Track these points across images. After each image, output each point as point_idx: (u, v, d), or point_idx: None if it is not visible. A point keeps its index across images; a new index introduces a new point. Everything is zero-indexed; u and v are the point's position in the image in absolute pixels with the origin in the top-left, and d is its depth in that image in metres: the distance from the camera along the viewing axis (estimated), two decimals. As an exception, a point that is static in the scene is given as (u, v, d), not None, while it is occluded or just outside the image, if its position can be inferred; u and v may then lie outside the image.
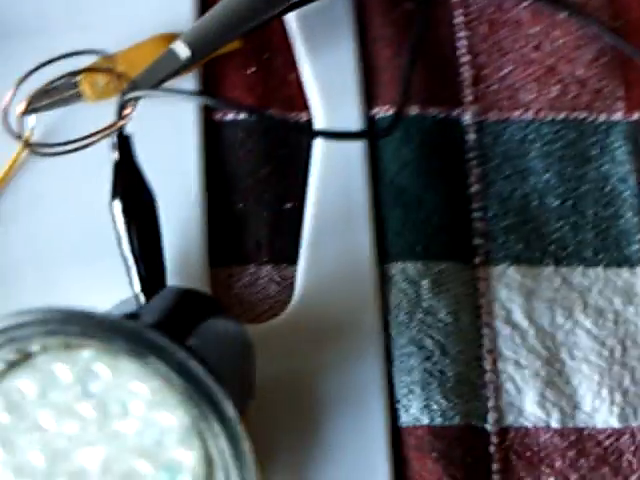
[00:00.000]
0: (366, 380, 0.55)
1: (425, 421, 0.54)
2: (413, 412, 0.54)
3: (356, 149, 0.57)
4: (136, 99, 0.52)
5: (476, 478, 0.54)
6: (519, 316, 0.56)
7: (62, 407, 0.45)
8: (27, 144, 0.55)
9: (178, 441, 0.45)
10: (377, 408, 0.55)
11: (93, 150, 0.55)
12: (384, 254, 0.56)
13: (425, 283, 0.55)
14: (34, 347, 0.44)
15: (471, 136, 0.57)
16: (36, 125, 0.56)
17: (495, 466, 0.54)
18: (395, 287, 0.56)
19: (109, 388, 0.44)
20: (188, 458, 0.45)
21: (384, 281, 0.56)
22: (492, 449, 0.54)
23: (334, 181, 0.57)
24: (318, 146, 0.57)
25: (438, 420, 0.54)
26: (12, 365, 0.45)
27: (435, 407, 0.54)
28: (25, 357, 0.45)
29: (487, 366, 0.55)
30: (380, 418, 0.55)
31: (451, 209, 0.57)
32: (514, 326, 0.56)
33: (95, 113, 0.55)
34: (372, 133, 0.57)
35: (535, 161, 0.57)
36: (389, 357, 0.55)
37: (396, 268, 0.56)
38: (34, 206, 0.57)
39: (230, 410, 0.43)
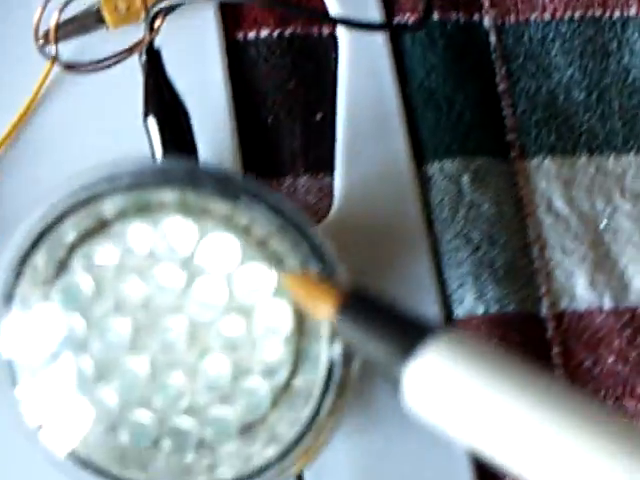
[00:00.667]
0: (417, 278, 0.54)
1: (480, 311, 0.53)
2: (467, 303, 0.53)
3: (383, 56, 0.57)
4: (166, 11, 0.51)
5: (537, 364, 0.52)
6: (560, 205, 0.55)
7: (143, 272, 0.42)
8: (58, 61, 0.53)
9: (271, 297, 0.42)
10: (430, 304, 0.53)
11: (121, 70, 0.53)
12: (420, 155, 0.55)
13: (465, 179, 0.55)
14: (109, 212, 0.42)
15: (492, 38, 0.57)
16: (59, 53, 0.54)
17: (555, 350, 0.53)
18: (435, 186, 0.55)
19: (193, 248, 0.42)
20: (285, 312, 0.42)
21: (423, 182, 0.55)
22: (549, 334, 0.53)
23: (363, 88, 0.56)
24: (344, 55, 0.57)
25: (493, 308, 0.53)
26: (88, 234, 0.42)
27: (489, 296, 0.53)
28: (101, 224, 0.42)
29: (535, 254, 0.54)
30: (434, 313, 0.53)
31: (482, 107, 0.56)
32: (556, 215, 0.55)
33: (116, 40, 0.53)
34: (395, 26, 0.56)
35: (557, 58, 0.57)
36: (437, 254, 0.54)
37: (434, 167, 0.55)
38: (65, 129, 0.55)
39: (329, 253, 0.41)
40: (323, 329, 0.41)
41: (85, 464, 0.42)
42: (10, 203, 0.54)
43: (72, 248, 0.42)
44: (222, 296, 0.41)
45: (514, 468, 0.33)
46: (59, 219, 0.41)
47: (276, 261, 0.41)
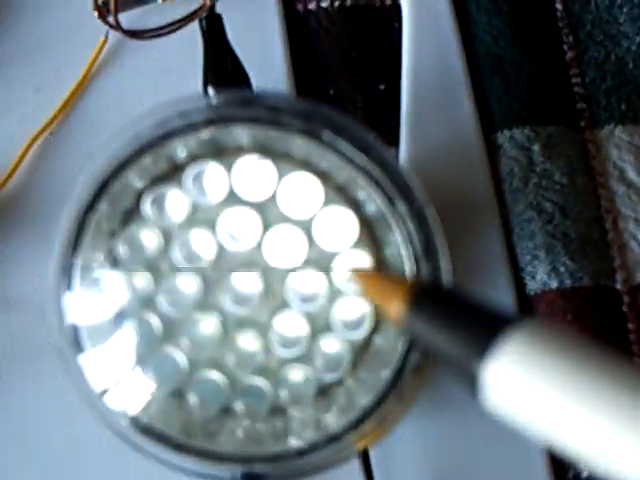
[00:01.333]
0: (488, 251, 0.51)
1: (554, 284, 0.49)
2: (540, 277, 0.50)
3: (447, 24, 0.54)
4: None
5: (613, 339, 0.49)
6: (632, 174, 0.52)
7: (216, 221, 0.39)
8: (120, 28, 0.50)
9: (351, 246, 0.39)
10: (502, 279, 0.50)
11: (180, 39, 0.50)
12: (489, 124, 0.52)
13: (536, 148, 0.51)
14: (180, 154, 0.38)
15: (559, 6, 0.54)
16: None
17: (631, 325, 0.50)
18: (505, 155, 0.51)
19: (272, 191, 0.38)
20: (366, 264, 0.39)
21: (492, 152, 0.52)
22: (625, 308, 0.50)
23: (428, 57, 0.53)
24: (408, 24, 0.54)
25: (567, 282, 0.49)
26: (157, 180, 0.39)
27: (562, 269, 0.49)
28: (171, 169, 0.39)
29: (608, 226, 0.51)
30: (507, 288, 0.50)
31: (550, 75, 0.53)
32: (629, 185, 0.52)
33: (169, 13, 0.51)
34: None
35: (625, 25, 0.54)
36: (508, 227, 0.50)
37: (504, 136, 0.52)
38: (121, 100, 0.52)
39: (418, 191, 0.37)
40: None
41: (149, 432, 0.39)
42: (64, 175, 0.51)
43: (139, 195, 0.39)
44: (301, 245, 0.38)
45: (602, 465, 0.29)
46: (125, 164, 0.38)
47: (355, 208, 0.38)
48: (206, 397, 0.39)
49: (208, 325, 0.39)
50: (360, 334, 0.39)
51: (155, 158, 0.38)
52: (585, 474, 0.48)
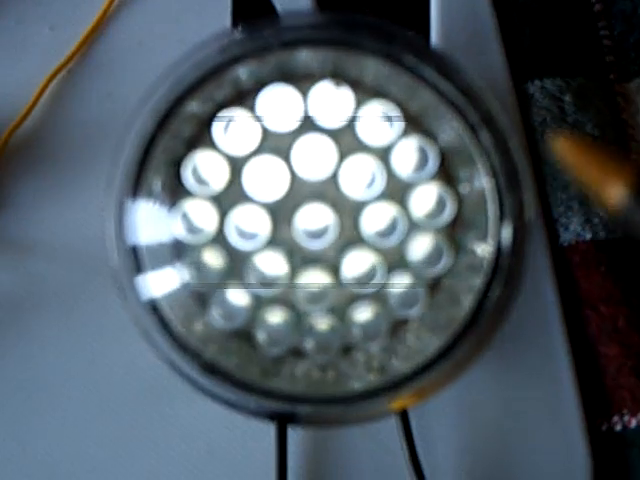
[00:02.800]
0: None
1: (588, 236, 0.46)
2: (574, 228, 0.47)
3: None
4: None
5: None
6: (662, 126, 0.49)
7: (285, 150, 0.35)
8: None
9: (427, 180, 0.35)
10: (535, 229, 0.47)
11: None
12: (519, 74, 0.49)
13: (567, 98, 0.48)
14: (247, 79, 0.34)
15: (586, -41, 0.51)
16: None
17: None
18: (536, 105, 0.48)
19: (348, 118, 0.35)
20: (441, 200, 0.35)
21: (524, 101, 0.48)
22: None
23: (457, 4, 0.49)
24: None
25: (601, 234, 0.46)
26: (222, 106, 0.35)
27: (596, 220, 0.46)
28: (238, 94, 0.35)
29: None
30: (540, 239, 0.46)
31: (579, 27, 0.50)
32: (660, 135, 0.49)
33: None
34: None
35: (653, -20, 0.51)
36: (541, 178, 0.47)
37: (535, 86, 0.49)
38: (138, 43, 0.48)
39: (503, 122, 0.34)
40: (483, 218, 0.34)
41: (212, 370, 0.35)
42: (81, 116, 0.46)
43: (205, 123, 0.35)
44: (378, 176, 0.34)
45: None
46: (188, 90, 0.34)
47: (430, 140, 0.35)
48: (273, 336, 0.35)
49: (274, 262, 0.35)
50: (436, 271, 0.35)
51: (220, 83, 0.34)
52: (618, 427, 0.45)
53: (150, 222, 0.35)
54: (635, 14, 0.51)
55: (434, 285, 0.36)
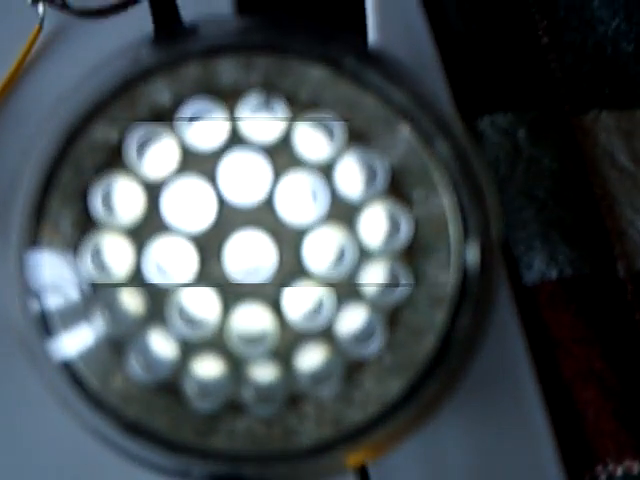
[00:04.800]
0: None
1: (553, 275, 0.40)
2: (538, 267, 0.41)
3: (414, 6, 0.44)
4: None
5: (620, 329, 0.41)
6: (624, 159, 0.44)
7: (210, 172, 0.28)
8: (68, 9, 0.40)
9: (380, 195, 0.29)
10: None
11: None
12: (467, 110, 0.43)
13: (521, 133, 0.43)
14: (163, 97, 0.28)
15: (530, -8, 0.46)
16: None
17: (637, 315, 0.42)
18: (488, 142, 0.43)
19: (284, 130, 0.28)
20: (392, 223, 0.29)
21: (474, 139, 0.43)
22: (629, 297, 0.41)
23: (397, 43, 0.44)
24: (375, 12, 0.44)
25: (568, 271, 0.40)
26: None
27: (561, 259, 0.40)
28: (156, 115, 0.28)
29: (604, 213, 0.42)
30: (502, 279, 0.40)
31: (528, 60, 0.45)
32: (621, 170, 0.44)
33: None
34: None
35: (600, 11, 0.46)
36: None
37: (485, 122, 0.43)
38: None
39: (460, 132, 0.28)
40: (444, 240, 0.28)
41: (135, 430, 0.28)
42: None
43: (114, 149, 0.28)
44: (318, 198, 0.28)
45: None
46: (93, 112, 0.28)
47: (378, 154, 0.28)
48: (205, 388, 0.28)
49: (204, 299, 0.28)
50: (394, 299, 0.28)
51: (129, 102, 0.27)
52: (603, 477, 0.39)
53: (57, 271, 0.28)
54: (585, 45, 0.46)
55: (392, 320, 0.29)
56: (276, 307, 0.29)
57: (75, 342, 0.28)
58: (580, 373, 0.40)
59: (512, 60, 0.44)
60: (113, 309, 0.28)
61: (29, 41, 0.41)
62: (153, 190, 0.28)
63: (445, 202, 0.28)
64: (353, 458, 0.29)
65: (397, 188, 0.29)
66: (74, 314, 0.28)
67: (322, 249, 0.29)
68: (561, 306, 0.40)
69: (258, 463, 0.28)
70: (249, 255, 0.28)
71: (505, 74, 0.44)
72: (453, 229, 0.28)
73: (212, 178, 0.28)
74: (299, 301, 0.29)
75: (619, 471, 0.39)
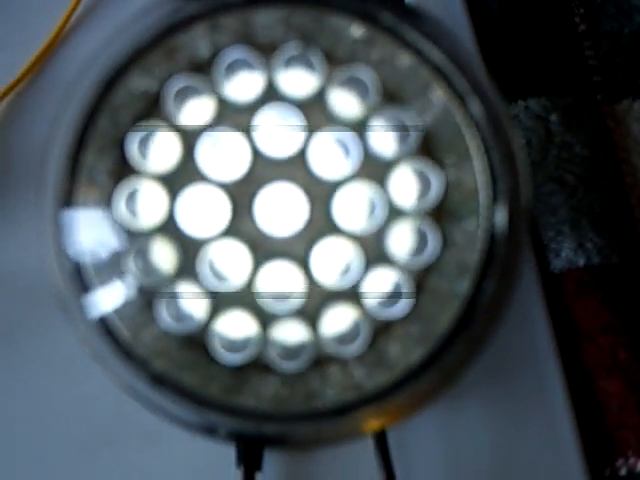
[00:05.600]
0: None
1: (581, 262, 0.40)
2: (565, 254, 0.40)
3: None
4: None
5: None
6: (656, 150, 0.43)
7: (246, 126, 0.28)
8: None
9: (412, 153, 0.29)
10: (525, 258, 0.40)
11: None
12: (502, 95, 0.43)
13: (554, 118, 0.42)
14: (203, 47, 0.28)
15: (567, -20, 0.46)
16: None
17: None
18: (520, 126, 0.42)
19: (319, 85, 0.28)
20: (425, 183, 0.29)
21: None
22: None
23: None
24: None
25: (595, 259, 0.40)
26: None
27: (590, 245, 0.40)
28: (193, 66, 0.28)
29: (634, 202, 0.42)
30: (530, 266, 0.40)
31: (564, 47, 0.45)
32: (653, 159, 0.43)
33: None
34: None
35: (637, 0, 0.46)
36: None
37: (519, 107, 0.42)
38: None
39: (495, 94, 0.27)
40: (473, 204, 0.28)
41: (162, 382, 0.27)
42: (31, 140, 0.39)
43: (152, 99, 0.28)
44: (351, 152, 0.28)
45: None
46: (129, 63, 0.27)
47: (412, 112, 0.28)
48: (233, 344, 0.28)
49: (233, 256, 0.28)
50: (422, 261, 0.28)
51: (170, 53, 0.27)
52: (623, 471, 0.38)
53: (92, 225, 0.28)
54: (622, 34, 0.45)
55: (419, 285, 0.29)
56: (304, 265, 0.28)
57: (109, 297, 0.28)
58: (604, 363, 0.39)
59: (548, 46, 0.44)
60: (145, 259, 0.28)
61: (70, 7, 0.41)
62: (189, 140, 0.28)
63: (476, 165, 0.28)
64: (373, 423, 0.29)
65: (429, 150, 0.29)
66: (108, 268, 0.28)
67: (352, 205, 0.28)
68: (587, 294, 0.40)
69: (280, 422, 0.28)
70: (280, 208, 0.28)
71: (540, 59, 0.44)
72: (483, 194, 0.28)
73: (247, 130, 0.28)
74: (328, 259, 0.28)
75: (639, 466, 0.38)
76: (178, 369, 0.28)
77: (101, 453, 0.34)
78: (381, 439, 0.31)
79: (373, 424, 0.29)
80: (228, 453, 0.30)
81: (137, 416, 0.31)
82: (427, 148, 0.29)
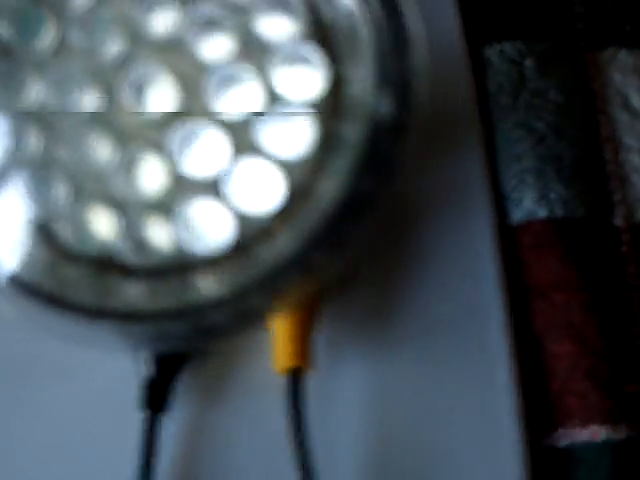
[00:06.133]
0: (468, 174, 0.38)
1: (542, 214, 0.37)
2: (527, 205, 0.37)
3: None
4: None
5: (609, 280, 0.37)
6: (637, 102, 0.40)
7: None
8: None
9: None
10: (483, 205, 0.37)
11: None
12: (476, 37, 0.40)
13: (528, 62, 0.40)
14: None
15: None
16: None
17: (631, 268, 0.38)
18: (493, 70, 0.39)
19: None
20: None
21: (480, 66, 0.40)
22: (624, 248, 0.37)
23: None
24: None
25: (559, 211, 0.37)
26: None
27: (553, 197, 0.37)
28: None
29: (607, 156, 0.39)
30: (487, 216, 0.37)
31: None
32: (633, 113, 0.40)
33: None
34: None
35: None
36: (494, 149, 0.38)
37: (493, 49, 0.40)
38: None
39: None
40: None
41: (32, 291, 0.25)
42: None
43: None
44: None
45: None
46: None
47: None
48: (86, 239, 0.26)
49: (98, 147, 0.26)
50: (299, 156, 0.26)
51: None
52: (565, 441, 0.35)
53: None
54: (611, -19, 0.42)
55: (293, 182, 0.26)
56: (166, 152, 0.26)
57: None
58: (555, 323, 0.36)
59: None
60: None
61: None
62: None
63: (364, 50, 0.25)
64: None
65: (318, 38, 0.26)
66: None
67: (226, 90, 0.26)
68: (546, 248, 0.37)
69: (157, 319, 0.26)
70: (149, 91, 0.26)
71: (519, 2, 0.41)
72: (368, 82, 0.25)
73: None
74: (194, 148, 0.26)
75: (584, 436, 0.35)
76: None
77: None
78: (295, 379, 0.29)
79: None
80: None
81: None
82: (316, 35, 0.26)
